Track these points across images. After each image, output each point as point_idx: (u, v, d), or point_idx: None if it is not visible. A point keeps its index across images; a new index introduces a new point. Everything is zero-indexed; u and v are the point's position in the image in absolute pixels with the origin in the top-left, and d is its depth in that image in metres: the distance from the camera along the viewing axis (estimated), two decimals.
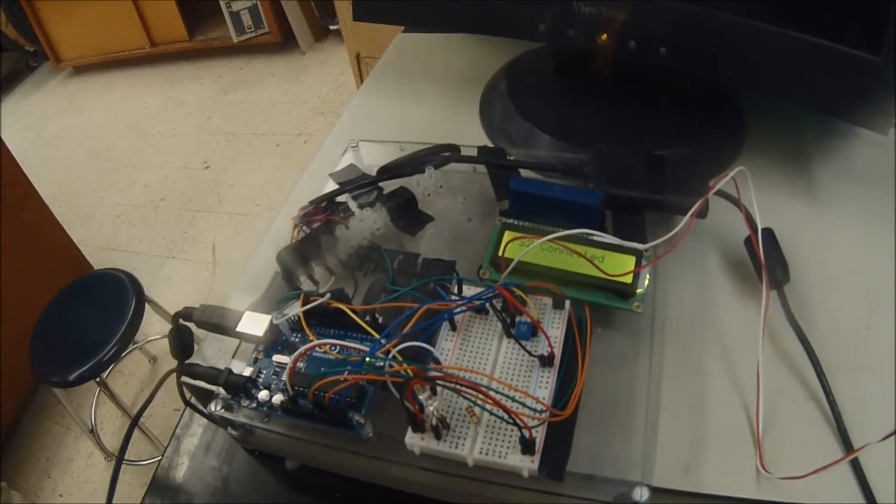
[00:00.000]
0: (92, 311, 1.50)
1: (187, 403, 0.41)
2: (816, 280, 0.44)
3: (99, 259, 2.18)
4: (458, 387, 0.32)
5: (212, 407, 0.38)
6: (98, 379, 1.46)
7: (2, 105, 3.43)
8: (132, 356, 1.96)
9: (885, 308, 0.42)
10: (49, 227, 1.99)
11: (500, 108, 0.60)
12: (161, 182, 2.75)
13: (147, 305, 1.54)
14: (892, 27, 0.40)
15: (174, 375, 0.40)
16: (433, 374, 0.33)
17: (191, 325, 0.42)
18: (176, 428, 0.51)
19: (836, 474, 0.36)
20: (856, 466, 0.36)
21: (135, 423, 0.50)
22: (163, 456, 0.50)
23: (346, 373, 0.33)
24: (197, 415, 0.48)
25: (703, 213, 0.42)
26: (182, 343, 0.42)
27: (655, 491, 0.34)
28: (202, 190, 2.62)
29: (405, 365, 0.32)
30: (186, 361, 0.41)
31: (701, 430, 0.38)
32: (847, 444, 0.37)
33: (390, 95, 0.67)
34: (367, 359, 0.33)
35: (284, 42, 3.37)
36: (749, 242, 0.43)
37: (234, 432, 0.39)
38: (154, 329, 1.92)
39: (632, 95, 0.55)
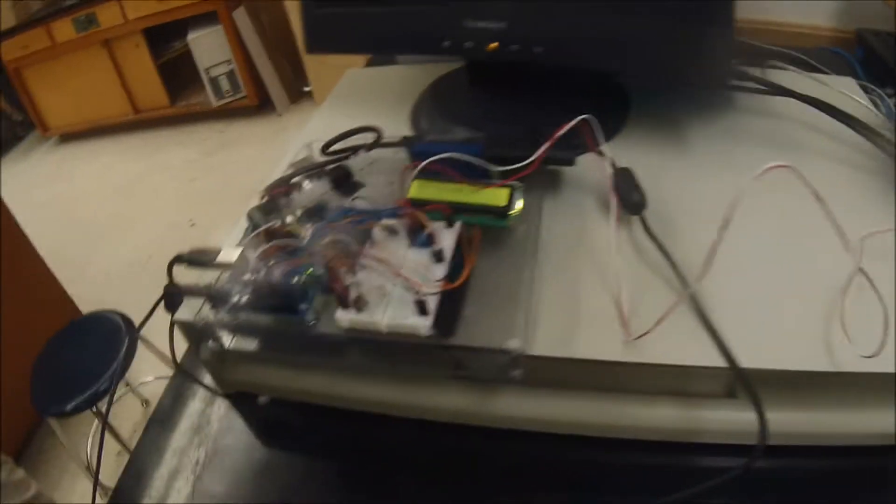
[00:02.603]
0: (88, 347, 1.61)
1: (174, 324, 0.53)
2: (679, 210, 0.55)
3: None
4: (371, 263, 0.45)
5: (197, 318, 0.50)
6: (94, 409, 1.54)
7: None
8: (125, 400, 2.04)
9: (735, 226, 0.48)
10: (45, 280, 2.11)
11: (425, 114, 0.73)
12: (149, 241, 2.86)
13: (140, 347, 1.64)
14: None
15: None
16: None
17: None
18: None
19: (690, 331, 0.44)
20: (706, 323, 0.43)
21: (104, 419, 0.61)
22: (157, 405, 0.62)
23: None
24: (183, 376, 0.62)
25: (568, 162, 0.56)
26: (172, 291, 0.54)
27: (538, 360, 0.44)
28: (188, 246, 2.70)
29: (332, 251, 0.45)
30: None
31: (575, 314, 0.47)
32: (699, 312, 0.44)
33: (341, 114, 0.79)
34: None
35: (261, 105, 3.54)
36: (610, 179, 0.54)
37: (212, 345, 0.51)
38: (145, 373, 2.01)
39: (528, 89, 0.68)
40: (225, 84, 3.43)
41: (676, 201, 0.56)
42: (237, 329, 0.50)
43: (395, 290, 0.46)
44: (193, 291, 0.51)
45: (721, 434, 0.47)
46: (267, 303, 0.47)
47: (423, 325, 0.44)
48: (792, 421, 0.45)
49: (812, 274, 0.48)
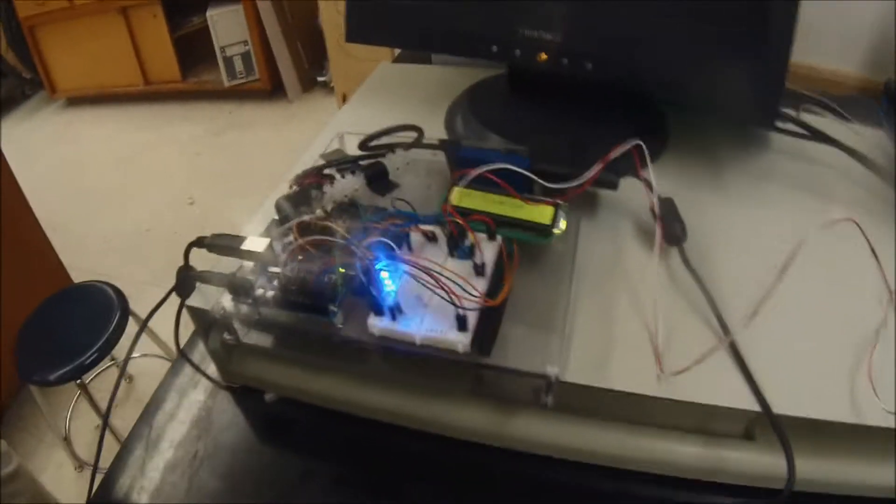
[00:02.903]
0: (78, 318, 1.58)
1: (184, 306, 0.51)
2: (715, 244, 0.54)
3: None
4: (413, 270, 0.42)
5: (215, 307, 0.47)
6: (79, 381, 1.52)
7: None
8: (109, 374, 2.02)
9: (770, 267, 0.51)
10: (39, 244, 2.07)
11: (461, 118, 0.71)
12: (147, 214, 2.84)
13: (130, 322, 1.61)
14: (768, 39, 0.52)
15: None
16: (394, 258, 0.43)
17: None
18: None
19: (724, 370, 0.44)
20: (742, 366, 0.44)
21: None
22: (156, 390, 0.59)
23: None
24: (185, 364, 0.59)
25: (613, 185, 0.54)
26: (186, 276, 0.52)
27: (569, 386, 0.43)
28: (187, 224, 2.70)
29: (371, 253, 0.43)
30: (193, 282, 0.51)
31: (609, 342, 0.46)
32: (736, 355, 0.45)
33: (371, 108, 0.77)
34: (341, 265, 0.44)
35: (273, 90, 3.52)
36: (653, 208, 0.53)
37: (227, 336, 0.49)
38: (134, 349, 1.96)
39: (571, 104, 0.66)
40: (239, 65, 3.41)
41: (712, 234, 0.55)
42: (257, 323, 0.48)
43: (433, 300, 0.43)
44: (212, 279, 0.49)
45: (741, 476, 0.46)
46: (294, 300, 0.45)
47: (462, 341, 0.42)
48: (814, 468, 0.44)
49: (846, 325, 0.47)
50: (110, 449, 0.55)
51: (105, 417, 0.58)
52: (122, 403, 1.96)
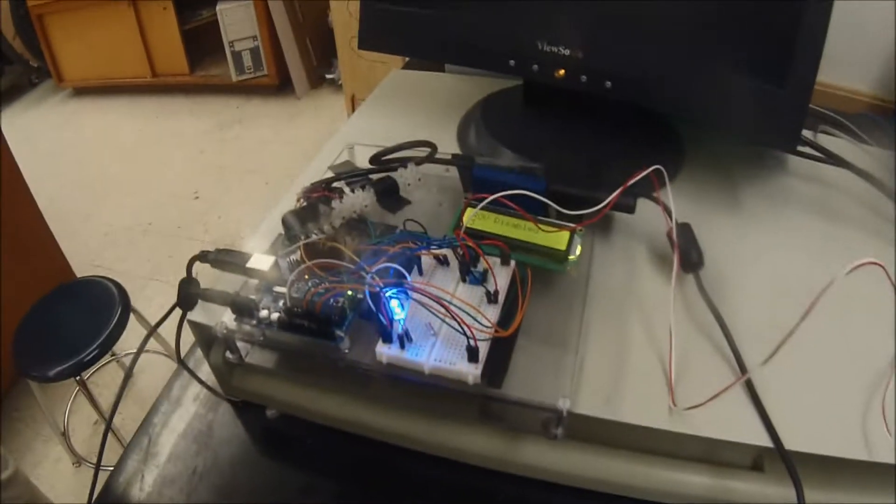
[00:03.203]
0: (78, 313, 1.56)
1: (183, 317, 0.50)
2: (730, 271, 0.53)
3: (83, 273, 2.21)
4: (423, 298, 0.41)
5: (218, 326, 0.46)
6: (77, 378, 1.51)
7: (1, 116, 3.47)
8: (108, 369, 2.01)
9: (785, 297, 0.49)
10: (40, 235, 2.06)
11: (474, 130, 0.70)
12: (150, 207, 2.83)
13: (132, 318, 1.59)
14: (793, 66, 0.51)
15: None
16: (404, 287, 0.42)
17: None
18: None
19: (736, 405, 0.44)
20: (756, 402, 0.44)
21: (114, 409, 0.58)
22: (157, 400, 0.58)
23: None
24: (186, 373, 0.57)
25: (630, 209, 0.52)
26: (189, 290, 0.50)
27: (579, 418, 0.43)
28: (190, 219, 2.70)
29: (381, 279, 0.41)
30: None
31: (621, 372, 0.46)
32: (751, 391, 0.44)
33: (382, 117, 0.76)
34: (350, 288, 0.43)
35: (281, 86, 3.50)
36: (670, 234, 0.52)
37: (230, 356, 0.48)
38: (133, 345, 1.95)
39: (586, 121, 0.65)
40: (247, 60, 3.39)
41: (729, 261, 0.54)
42: (261, 344, 0.47)
43: (443, 328, 0.42)
44: (215, 296, 0.47)
45: None
46: (300, 323, 0.44)
47: (472, 373, 0.41)
48: (822, 501, 0.44)
49: (860, 362, 0.47)
50: (108, 445, 0.54)
51: (108, 421, 0.57)
52: (121, 400, 1.93)
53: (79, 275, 2.15)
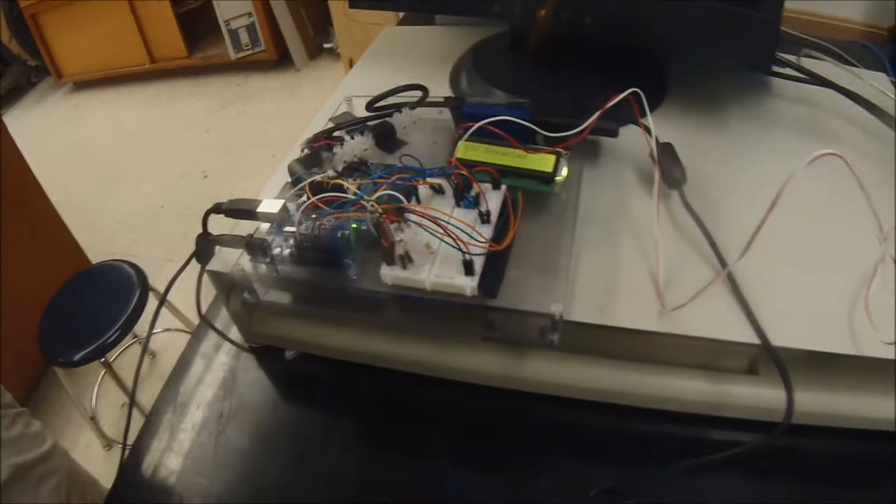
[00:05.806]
0: (98, 298, 1.59)
1: (204, 272, 0.52)
2: (715, 186, 0.55)
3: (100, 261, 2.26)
4: (421, 220, 0.43)
5: (234, 268, 0.49)
6: (103, 360, 1.54)
7: (3, 118, 3.51)
8: (132, 352, 2.04)
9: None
10: (55, 227, 2.10)
11: (465, 76, 0.72)
12: (160, 190, 2.86)
13: (149, 298, 1.62)
14: None
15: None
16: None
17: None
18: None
19: (724, 306, 0.45)
20: (742, 301, 0.45)
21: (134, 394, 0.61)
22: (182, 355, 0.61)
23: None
24: (209, 330, 0.60)
25: (612, 133, 0.55)
26: (207, 242, 0.53)
27: (574, 325, 0.45)
28: (201, 198, 2.70)
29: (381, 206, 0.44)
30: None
31: (613, 283, 0.48)
32: (735, 288, 0.46)
33: (377, 72, 0.77)
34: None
35: (280, 60, 3.51)
36: (652, 154, 0.53)
37: (248, 296, 0.51)
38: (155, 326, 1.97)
39: (569, 59, 0.67)
40: (244, 37, 3.40)
41: (712, 178, 0.56)
42: (276, 281, 0.49)
43: (441, 248, 0.45)
44: (230, 242, 0.50)
45: (744, 409, 0.47)
46: (310, 256, 0.46)
47: (469, 285, 0.43)
48: (815, 402, 0.46)
49: (843, 260, 0.49)
50: (137, 425, 0.57)
51: (132, 394, 0.59)
52: (146, 379, 1.98)
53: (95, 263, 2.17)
